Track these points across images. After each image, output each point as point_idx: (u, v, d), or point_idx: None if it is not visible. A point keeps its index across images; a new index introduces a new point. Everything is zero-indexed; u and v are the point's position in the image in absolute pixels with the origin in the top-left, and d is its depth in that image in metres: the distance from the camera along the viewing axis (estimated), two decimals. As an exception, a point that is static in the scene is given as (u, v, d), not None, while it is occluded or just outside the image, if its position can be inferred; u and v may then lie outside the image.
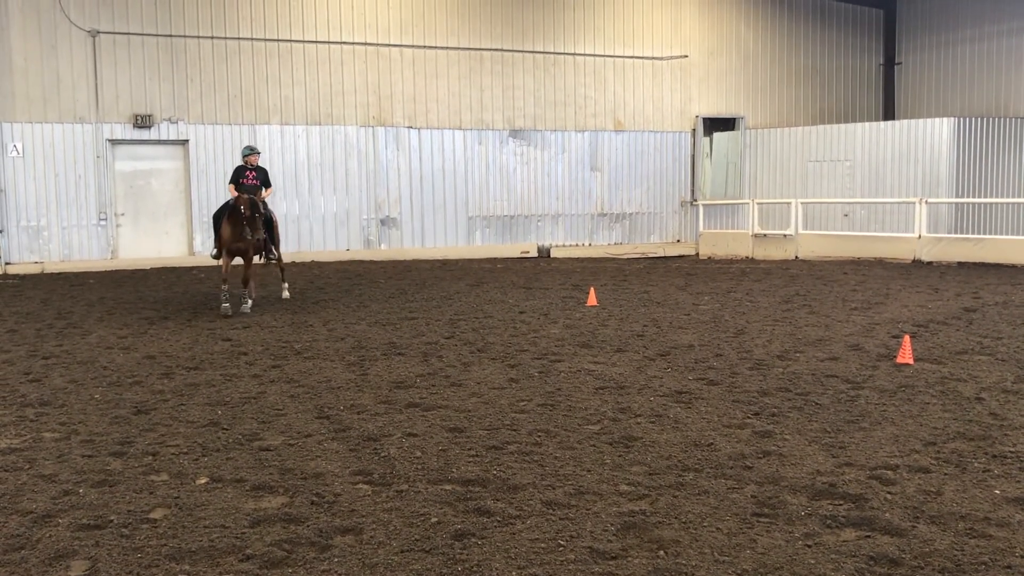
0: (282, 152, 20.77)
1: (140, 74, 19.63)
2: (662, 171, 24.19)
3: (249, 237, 11.98)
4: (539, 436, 6.14)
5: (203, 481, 5.29)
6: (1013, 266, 17.05)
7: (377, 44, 21.39)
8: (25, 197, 18.97)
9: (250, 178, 12.71)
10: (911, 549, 4.18)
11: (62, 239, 19.29)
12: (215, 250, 12.66)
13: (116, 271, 18.63)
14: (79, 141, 19.26)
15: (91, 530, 4.53)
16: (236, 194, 12.25)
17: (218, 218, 12.61)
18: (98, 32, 19.23)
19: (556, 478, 5.25)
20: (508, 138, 22.66)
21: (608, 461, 5.57)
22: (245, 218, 11.88)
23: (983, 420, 6.38)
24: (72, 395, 7.55)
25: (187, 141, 20.03)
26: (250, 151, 13.06)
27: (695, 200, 24.09)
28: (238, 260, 12.66)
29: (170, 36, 19.77)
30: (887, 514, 4.61)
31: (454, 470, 5.42)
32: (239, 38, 20.31)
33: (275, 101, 20.69)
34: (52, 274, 18.23)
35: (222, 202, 20.19)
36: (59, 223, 19.23)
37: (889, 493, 4.93)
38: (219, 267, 13.15)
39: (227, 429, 6.42)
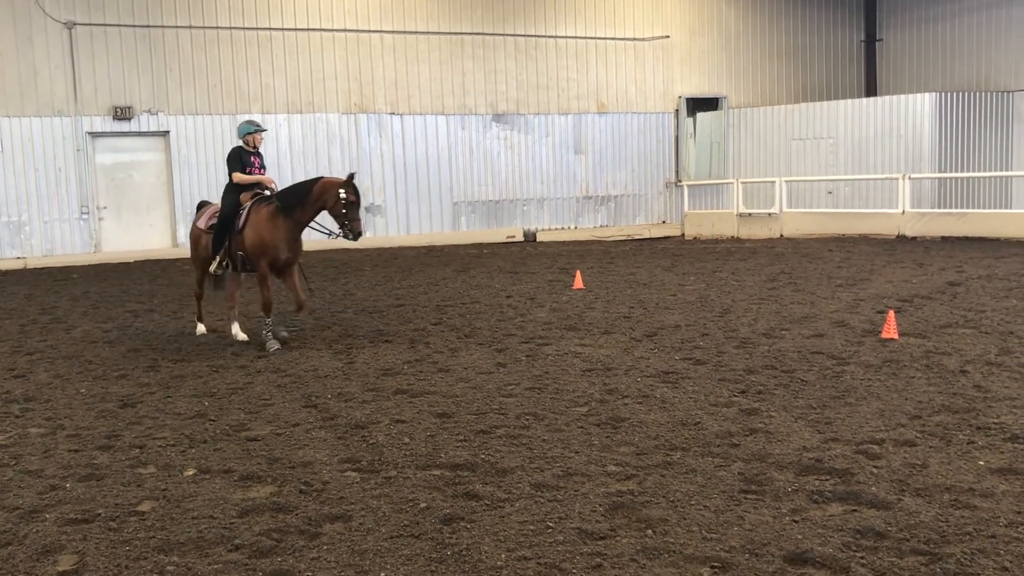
0: (264, 141, 20.62)
1: (118, 65, 19.44)
2: (646, 153, 24.16)
3: (350, 238, 8.88)
4: (527, 419, 6.15)
5: (191, 473, 5.28)
6: (996, 239, 17.14)
7: (357, 30, 21.24)
8: (5, 192, 18.78)
9: (256, 165, 9.47)
10: (897, 522, 4.21)
11: (44, 234, 19.13)
12: (219, 267, 9.33)
13: (100, 265, 18.51)
14: (58, 135, 19.07)
15: (78, 524, 4.52)
16: (251, 179, 9.32)
17: (229, 221, 9.23)
18: (74, 24, 19.02)
19: (544, 460, 5.27)
20: (491, 122, 22.58)
21: (596, 442, 5.59)
22: (350, 204, 8.79)
23: (967, 393, 6.43)
24: (57, 390, 7.51)
25: (168, 132, 19.87)
26: (255, 127, 9.53)
27: (679, 181, 24.09)
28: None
29: (147, 27, 19.57)
30: (873, 488, 4.64)
31: (442, 455, 5.42)
32: (217, 27, 20.12)
33: (255, 90, 20.54)
34: (35, 269, 18.09)
35: (208, 195, 20.17)
36: (40, 218, 19.07)
37: (875, 467, 4.96)
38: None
39: (214, 420, 6.40)
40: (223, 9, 20.17)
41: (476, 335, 9.39)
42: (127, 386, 7.57)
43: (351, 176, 9.01)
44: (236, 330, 9.59)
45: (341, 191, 8.78)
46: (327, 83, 21.06)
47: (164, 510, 4.67)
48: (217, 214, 9.49)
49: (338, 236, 9.05)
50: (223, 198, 9.43)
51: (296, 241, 9.08)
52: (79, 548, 4.22)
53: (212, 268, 9.39)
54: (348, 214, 8.81)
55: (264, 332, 9.02)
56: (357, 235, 8.86)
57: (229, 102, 20.31)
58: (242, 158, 9.40)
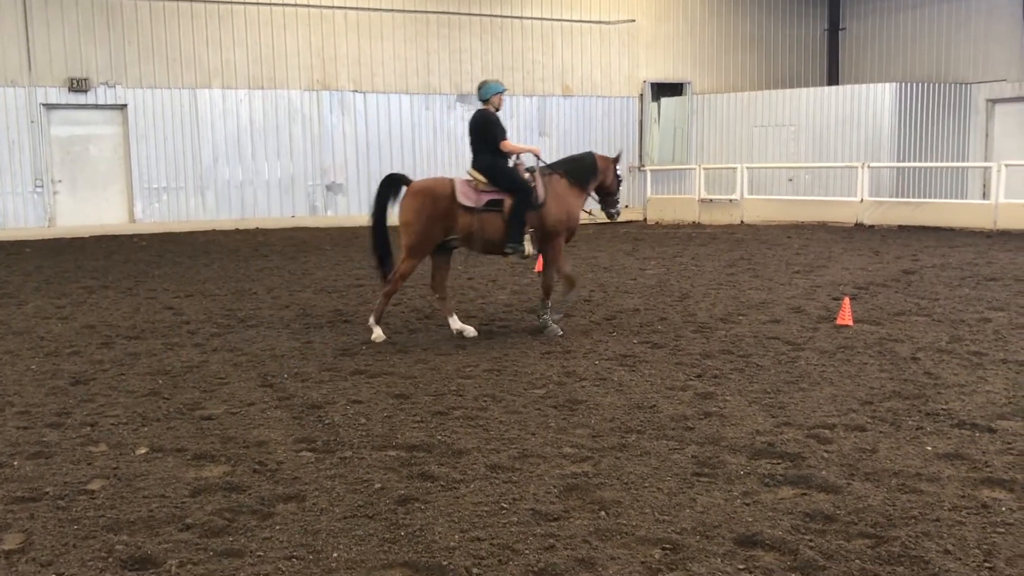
0: (224, 116, 20.34)
1: (75, 36, 19.02)
2: (610, 136, 24.18)
3: (615, 216, 8.89)
4: (484, 401, 6.16)
5: (143, 451, 5.21)
6: (951, 229, 17.43)
7: (320, 6, 20.97)
8: (-44, 163, 18.36)
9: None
10: (845, 505, 4.28)
11: (-4, 207, 18.73)
12: (531, 248, 8.38)
13: (54, 239, 18.17)
14: (11, 106, 18.64)
15: (26, 503, 4.44)
16: (524, 148, 8.55)
17: (528, 195, 8.19)
18: (29, -8, 18.56)
19: (501, 442, 5.27)
20: (455, 102, 22.46)
21: (552, 424, 5.61)
22: (620, 183, 8.79)
23: (918, 379, 6.54)
24: (7, 366, 7.37)
25: (125, 106, 19.51)
26: (502, 87, 8.49)
27: (643, 166, 24.17)
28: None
29: (105, -3, 19.17)
30: (823, 472, 4.71)
31: (399, 436, 5.41)
32: (178, -1, 19.77)
33: (216, 64, 20.22)
34: (-13, 243, 17.71)
35: (167, 171, 19.83)
36: (-8, 190, 18.66)
37: (826, 451, 5.03)
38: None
39: (168, 398, 6.33)
40: (183, -19, 19.79)
41: (435, 316, 9.37)
42: (79, 363, 7.45)
43: (620, 155, 8.91)
44: (458, 323, 8.49)
45: (618, 167, 8.66)
46: (289, 59, 20.79)
47: (114, 489, 4.61)
48: (477, 188, 8.19)
49: (590, 213, 8.76)
50: (505, 172, 8.20)
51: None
52: (26, 527, 4.16)
53: (529, 250, 8.29)
54: (617, 191, 8.75)
55: (544, 316, 8.45)
56: (618, 214, 8.94)
57: (189, 76, 19.98)
58: (501, 123, 8.34)
